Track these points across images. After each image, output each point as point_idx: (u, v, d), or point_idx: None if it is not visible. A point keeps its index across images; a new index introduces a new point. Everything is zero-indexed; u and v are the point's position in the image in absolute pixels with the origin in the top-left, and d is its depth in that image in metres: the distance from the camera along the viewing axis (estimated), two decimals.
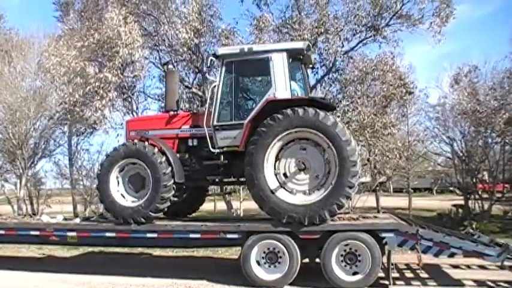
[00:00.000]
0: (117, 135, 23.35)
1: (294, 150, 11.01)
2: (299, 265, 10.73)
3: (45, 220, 13.62)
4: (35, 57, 25.77)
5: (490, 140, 24.70)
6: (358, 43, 21.00)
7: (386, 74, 19.56)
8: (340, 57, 20.38)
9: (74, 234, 12.51)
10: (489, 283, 10.86)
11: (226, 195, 20.53)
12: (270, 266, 10.91)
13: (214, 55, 12.06)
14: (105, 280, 11.87)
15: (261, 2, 20.69)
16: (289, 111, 10.64)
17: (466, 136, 25.03)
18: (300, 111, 10.59)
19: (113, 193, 11.96)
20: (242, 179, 12.09)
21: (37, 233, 12.78)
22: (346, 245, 10.55)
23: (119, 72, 20.08)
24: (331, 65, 20.15)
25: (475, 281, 11.13)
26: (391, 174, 26.26)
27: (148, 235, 11.78)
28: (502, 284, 10.74)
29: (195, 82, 22.58)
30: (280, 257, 10.83)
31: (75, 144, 27.12)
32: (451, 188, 32.68)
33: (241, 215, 23.80)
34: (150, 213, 11.60)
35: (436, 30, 20.13)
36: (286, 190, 10.95)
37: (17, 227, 13.17)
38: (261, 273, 10.87)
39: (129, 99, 22.92)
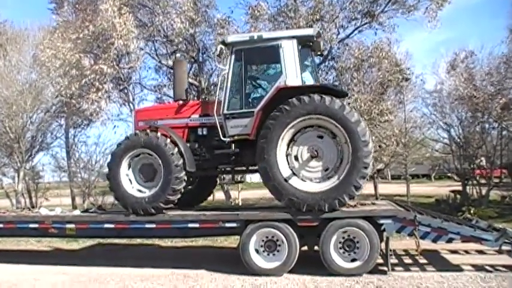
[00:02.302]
0: (114, 126, 23.43)
1: (306, 137, 10.92)
2: (298, 253, 10.73)
3: (43, 213, 13.60)
4: (30, 50, 25.74)
5: (487, 126, 24.74)
6: (353, 30, 21.07)
7: (382, 60, 19.57)
8: (336, 44, 20.38)
9: (72, 226, 12.48)
10: (487, 267, 10.86)
11: (225, 185, 20.54)
12: (268, 254, 10.90)
13: (224, 43, 11.96)
14: (104, 271, 11.88)
15: None
16: (295, 100, 10.57)
17: (463, 122, 25.08)
18: (307, 99, 10.52)
19: (124, 183, 11.86)
20: (253, 168, 12.09)
21: (36, 225, 12.76)
22: (345, 232, 10.54)
23: (114, 63, 20.11)
24: (327, 52, 20.11)
25: (473, 265, 11.15)
26: (389, 161, 26.28)
27: (147, 225, 11.75)
28: (500, 268, 10.74)
29: (191, 72, 22.53)
30: (279, 245, 10.83)
31: (72, 137, 27.20)
32: (449, 174, 32.72)
33: (240, 204, 23.82)
34: (161, 204, 11.52)
35: (432, 15, 20.21)
36: (302, 179, 10.87)
37: (15, 220, 13.14)
38: (260, 261, 10.87)
39: (125, 91, 22.98)
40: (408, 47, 49.81)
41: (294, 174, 10.84)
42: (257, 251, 10.94)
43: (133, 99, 23.68)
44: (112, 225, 12.11)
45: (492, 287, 9.33)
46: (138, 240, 16.18)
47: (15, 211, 15.55)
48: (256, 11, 19.85)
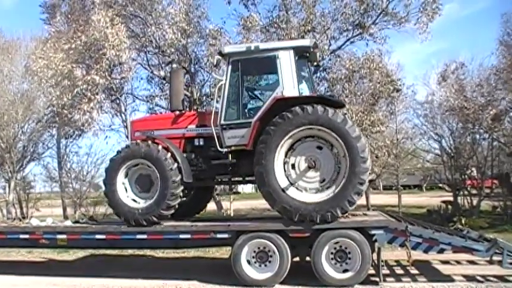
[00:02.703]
0: (106, 137, 23.35)
1: (303, 148, 10.92)
2: (289, 264, 10.72)
3: (34, 223, 13.55)
4: (22, 60, 25.70)
5: (477, 136, 24.93)
6: (345, 41, 21.18)
7: (373, 71, 19.65)
8: (328, 55, 20.47)
9: (64, 237, 12.41)
10: (478, 278, 10.92)
11: (216, 196, 20.50)
12: (260, 265, 10.89)
13: (220, 53, 11.97)
14: (96, 282, 11.83)
15: (248, 2, 20.82)
16: (298, 109, 10.57)
17: (454, 133, 25.23)
18: (310, 109, 10.53)
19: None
20: (250, 178, 12.08)
21: (27, 236, 12.67)
22: (336, 242, 10.54)
23: (106, 74, 20.10)
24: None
25: (464, 276, 11.20)
26: (381, 172, 26.35)
27: (138, 236, 11.71)
28: (491, 278, 10.80)
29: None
30: (271, 256, 10.82)
31: (64, 147, 27.10)
32: (440, 185, 32.84)
33: (231, 214, 23.79)
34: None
35: (423, 27, 20.34)
36: (297, 188, 10.87)
37: (6, 231, 13.07)
38: (252, 272, 10.85)
39: (117, 101, 22.96)
40: (399, 58, 50.21)
41: (289, 182, 10.85)
42: (249, 262, 10.91)
43: (126, 110, 23.68)
44: (103, 236, 12.07)
45: None
46: (130, 251, 16.14)
47: (6, 221, 15.50)
48: (248, 22, 19.92)
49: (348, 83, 19.96)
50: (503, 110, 23.04)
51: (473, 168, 26.10)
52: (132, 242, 12.18)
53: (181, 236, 11.46)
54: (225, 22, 21.26)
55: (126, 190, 11.94)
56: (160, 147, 11.61)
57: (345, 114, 12.33)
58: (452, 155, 25.62)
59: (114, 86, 21.76)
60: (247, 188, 54.05)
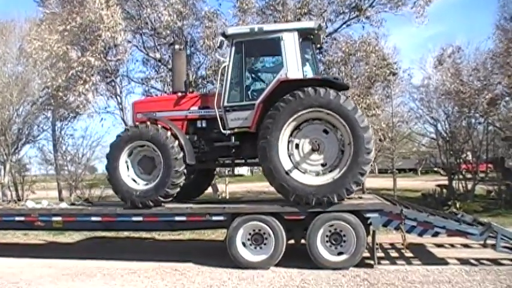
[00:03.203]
0: (101, 119, 23.28)
1: (307, 130, 10.88)
2: (285, 246, 10.76)
3: (30, 206, 13.52)
4: (16, 41, 25.61)
5: (473, 121, 24.95)
6: (341, 24, 21.11)
7: (370, 55, 19.62)
8: (324, 38, 20.38)
9: (59, 219, 12.41)
10: (472, 261, 10.97)
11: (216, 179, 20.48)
12: (255, 248, 10.92)
13: (224, 35, 11.88)
14: (91, 265, 11.85)
15: None
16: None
17: (450, 117, 25.28)
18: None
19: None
20: (253, 160, 12.09)
21: (22, 218, 12.65)
22: (331, 225, 10.57)
23: (101, 56, 20.00)
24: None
25: (458, 259, 11.25)
26: (376, 156, 26.38)
27: (134, 219, 11.71)
28: (484, 261, 10.86)
29: None
30: (266, 239, 10.84)
31: (59, 130, 27.01)
32: (435, 169, 32.95)
33: (227, 197, 23.85)
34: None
35: (419, 11, 20.28)
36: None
37: (1, 213, 13.04)
38: (247, 254, 10.89)
39: (113, 83, 22.83)
40: (396, 41, 50.00)
41: (291, 162, 10.83)
42: (244, 244, 10.94)
43: (121, 92, 23.54)
44: (99, 218, 12.06)
45: (477, 280, 9.39)
46: (126, 233, 16.17)
47: (1, 204, 15.48)
48: (244, 4, 19.80)
49: (344, 66, 19.92)
50: (499, 94, 23.07)
51: (469, 153, 26.16)
52: (127, 224, 12.21)
53: (177, 218, 11.47)
54: (220, 4, 21.16)
55: (129, 174, 11.87)
56: (159, 126, 11.55)
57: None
58: (447, 139, 25.68)
59: (110, 68, 21.63)
60: (243, 171, 54.14)
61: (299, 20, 18.82)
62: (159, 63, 22.65)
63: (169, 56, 22.70)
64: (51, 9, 21.80)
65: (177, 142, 11.42)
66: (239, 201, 14.57)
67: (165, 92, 22.16)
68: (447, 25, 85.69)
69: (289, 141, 10.87)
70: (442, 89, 24.45)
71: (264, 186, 29.53)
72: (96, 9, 18.48)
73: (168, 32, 20.81)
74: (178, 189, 11.61)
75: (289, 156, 10.85)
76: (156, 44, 22.30)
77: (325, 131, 10.84)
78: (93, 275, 10.91)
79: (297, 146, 10.90)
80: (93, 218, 12.11)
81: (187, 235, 15.89)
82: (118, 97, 23.48)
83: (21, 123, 25.83)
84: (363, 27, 20.99)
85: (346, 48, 19.82)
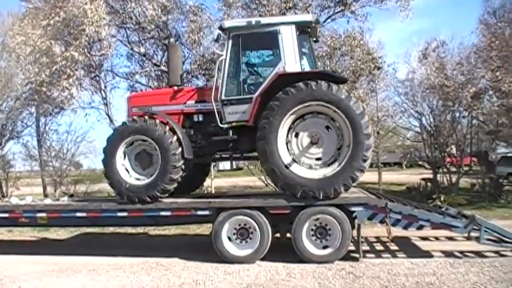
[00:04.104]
0: (86, 114, 23.15)
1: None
2: (270, 240, 10.79)
3: (14, 202, 13.44)
4: None
5: (457, 114, 25.14)
6: (326, 18, 21.11)
7: (354, 49, 19.66)
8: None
9: (44, 215, 12.30)
10: (456, 253, 11.08)
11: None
12: (241, 242, 10.93)
13: (221, 28, 11.78)
14: (77, 261, 11.80)
15: None
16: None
17: (434, 111, 25.46)
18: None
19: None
20: (250, 154, 12.13)
21: (6, 215, 12.56)
22: (317, 219, 10.62)
23: (85, 50, 19.87)
24: None
25: (443, 251, 11.36)
26: None
27: (119, 214, 11.68)
28: (468, 254, 10.96)
29: (163, 60, 22.37)
30: (252, 233, 10.87)
31: (43, 125, 26.85)
32: (420, 162, 33.23)
33: (213, 192, 23.82)
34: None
35: (404, 5, 20.35)
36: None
37: None
38: (233, 249, 10.90)
39: (97, 78, 22.70)
40: (381, 36, 50.18)
41: (292, 158, 10.81)
42: (229, 238, 10.96)
43: (105, 87, 23.39)
44: (84, 214, 12.01)
45: (461, 272, 9.48)
46: (111, 229, 16.11)
47: None
48: None
49: (329, 60, 19.93)
50: (482, 88, 23.26)
51: (453, 146, 26.38)
52: (113, 219, 12.17)
53: (162, 213, 11.46)
54: None
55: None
56: (157, 121, 11.48)
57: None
58: (432, 132, 25.86)
59: (94, 62, 21.50)
60: (228, 166, 54.04)
61: (284, 14, 18.81)
62: (144, 58, 22.56)
63: (154, 51, 22.69)
64: (34, 4, 21.58)
65: (175, 137, 11.37)
66: (225, 195, 14.54)
67: (150, 87, 22.11)
68: (432, 20, 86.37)
69: (288, 135, 10.86)
70: (426, 83, 24.57)
71: (250, 181, 29.62)
72: (79, 3, 18.32)
73: (153, 26, 20.71)
74: (175, 184, 11.55)
75: (288, 150, 10.84)
76: (141, 38, 22.20)
77: (323, 124, 10.83)
78: (79, 270, 10.86)
79: (296, 135, 10.87)
80: (78, 214, 12.04)
81: (172, 230, 15.86)
82: (102, 92, 23.36)
83: (4, 119, 25.63)
84: (348, 21, 21.07)
85: (331, 42, 19.84)
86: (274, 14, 18.55)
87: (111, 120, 23.25)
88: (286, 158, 10.74)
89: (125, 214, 11.66)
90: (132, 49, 22.68)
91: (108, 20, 19.34)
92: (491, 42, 21.15)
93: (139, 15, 20.77)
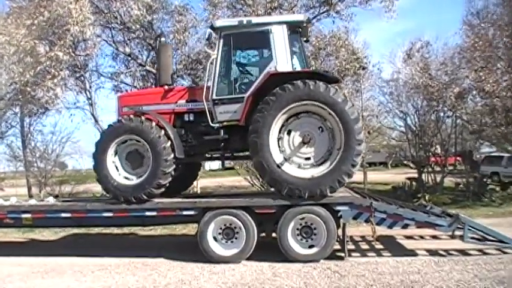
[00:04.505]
0: (71, 115, 23.03)
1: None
2: (256, 240, 10.82)
3: None
4: None
5: (442, 114, 25.24)
6: (312, 19, 21.09)
7: (339, 49, 19.78)
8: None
9: (28, 216, 12.24)
10: (441, 252, 11.17)
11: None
12: (227, 242, 10.95)
13: (212, 27, 11.76)
14: (62, 262, 11.75)
15: None
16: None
17: (419, 110, 25.56)
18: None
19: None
20: (242, 154, 12.13)
21: None
22: (302, 218, 10.65)
23: (70, 50, 19.81)
24: None
25: (427, 250, 11.45)
26: None
27: (105, 214, 11.64)
28: (453, 252, 11.06)
29: (148, 60, 22.35)
30: (237, 233, 10.89)
31: (28, 126, 26.56)
32: (405, 162, 33.32)
33: (198, 192, 23.79)
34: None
35: (388, 6, 20.48)
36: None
37: None
38: (218, 249, 10.91)
39: (82, 78, 22.63)
40: (367, 36, 50.27)
41: (283, 156, 10.82)
42: (215, 238, 10.96)
43: (90, 87, 23.35)
44: (69, 214, 11.95)
45: (445, 270, 9.55)
46: (97, 230, 16.04)
47: None
48: None
49: (315, 60, 20.01)
50: (466, 88, 23.40)
51: (437, 146, 26.52)
52: (98, 219, 12.06)
53: (147, 213, 11.43)
54: None
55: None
56: (143, 118, 11.44)
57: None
58: (417, 132, 25.97)
59: (79, 62, 21.45)
60: (214, 166, 53.98)
61: (269, 14, 18.85)
62: (129, 58, 22.52)
63: (139, 51, 22.62)
64: (18, 3, 21.44)
65: (169, 142, 11.32)
66: (210, 195, 14.53)
67: (135, 87, 22.05)
68: (417, 20, 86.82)
69: (280, 132, 10.86)
70: (411, 83, 24.69)
71: (236, 181, 29.63)
72: (64, 3, 18.25)
73: (138, 26, 20.69)
74: (169, 178, 11.47)
75: (281, 151, 10.85)
76: (126, 38, 22.17)
77: (315, 124, 10.84)
78: (64, 271, 10.82)
79: (289, 132, 10.89)
80: (63, 214, 11.98)
81: (158, 230, 15.84)
82: (87, 92, 23.30)
83: None
84: (333, 21, 21.22)
85: (316, 42, 19.94)
86: (260, 14, 18.60)
87: (96, 121, 23.20)
88: (276, 155, 10.74)
89: (110, 214, 11.62)
90: (117, 49, 22.64)
91: (93, 19, 19.29)
92: (475, 42, 21.28)
93: (124, 15, 20.74)
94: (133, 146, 11.73)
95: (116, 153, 11.71)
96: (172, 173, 11.50)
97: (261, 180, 21.78)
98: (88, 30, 19.00)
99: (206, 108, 11.43)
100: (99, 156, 11.60)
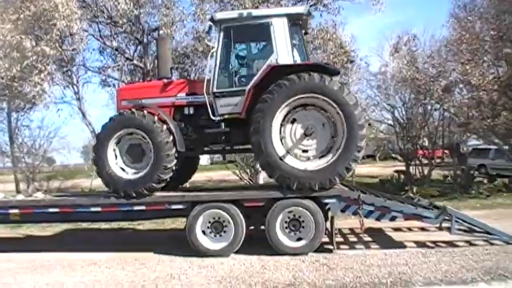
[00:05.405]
0: (58, 109, 22.93)
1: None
2: (244, 233, 10.86)
3: None
4: None
5: (429, 107, 25.31)
6: None
7: (327, 42, 19.80)
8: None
9: (16, 211, 12.14)
10: (429, 244, 11.28)
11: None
12: (215, 236, 10.98)
13: (212, 20, 11.70)
14: (51, 257, 11.72)
15: None
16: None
17: (407, 103, 25.64)
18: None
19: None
20: (243, 147, 12.17)
21: None
22: (290, 211, 10.70)
23: (57, 45, 19.68)
24: None
25: (415, 242, 11.56)
26: None
27: (92, 209, 11.60)
28: (440, 244, 11.17)
29: (136, 54, 22.28)
30: (226, 226, 10.92)
31: (15, 121, 26.41)
32: (393, 155, 33.49)
33: (187, 186, 23.77)
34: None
35: None
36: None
37: None
38: (207, 242, 10.94)
39: (69, 73, 22.53)
40: (356, 29, 50.43)
41: (286, 150, 10.84)
42: (204, 232, 10.99)
43: (78, 82, 23.26)
44: (57, 210, 11.88)
45: (433, 261, 9.65)
46: (84, 225, 16.01)
47: None
48: None
49: None
50: (453, 81, 23.45)
51: (425, 139, 26.66)
52: (86, 215, 11.96)
53: (136, 208, 11.39)
54: None
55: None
56: (145, 112, 11.37)
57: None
58: (404, 125, 26.07)
59: (66, 57, 21.32)
60: (203, 160, 53.91)
61: (257, 7, 18.82)
62: (116, 52, 22.44)
63: (126, 45, 22.54)
64: None
65: (171, 137, 11.28)
66: (199, 189, 14.53)
67: (123, 82, 21.98)
68: (405, 13, 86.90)
69: (281, 128, 10.87)
70: (398, 76, 24.71)
71: (225, 175, 29.62)
72: None
73: (125, 20, 20.60)
74: (170, 173, 11.43)
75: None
76: (113, 32, 22.09)
77: (316, 115, 10.87)
78: (53, 267, 10.81)
79: (290, 127, 10.90)
80: (51, 210, 11.91)
81: (147, 225, 15.83)
82: (75, 87, 23.21)
83: None
84: (321, 15, 21.22)
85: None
86: (248, 7, 18.54)
87: (83, 115, 23.11)
88: (280, 150, 10.76)
89: (98, 209, 11.59)
90: (104, 43, 22.56)
91: (79, 14, 19.18)
92: (462, 35, 21.34)
93: (111, 9, 20.66)
94: (134, 139, 11.65)
95: (116, 145, 11.62)
96: (174, 167, 11.48)
97: (249, 174, 21.93)
98: (75, 24, 18.90)
99: (207, 101, 11.41)
100: (99, 149, 11.54)
